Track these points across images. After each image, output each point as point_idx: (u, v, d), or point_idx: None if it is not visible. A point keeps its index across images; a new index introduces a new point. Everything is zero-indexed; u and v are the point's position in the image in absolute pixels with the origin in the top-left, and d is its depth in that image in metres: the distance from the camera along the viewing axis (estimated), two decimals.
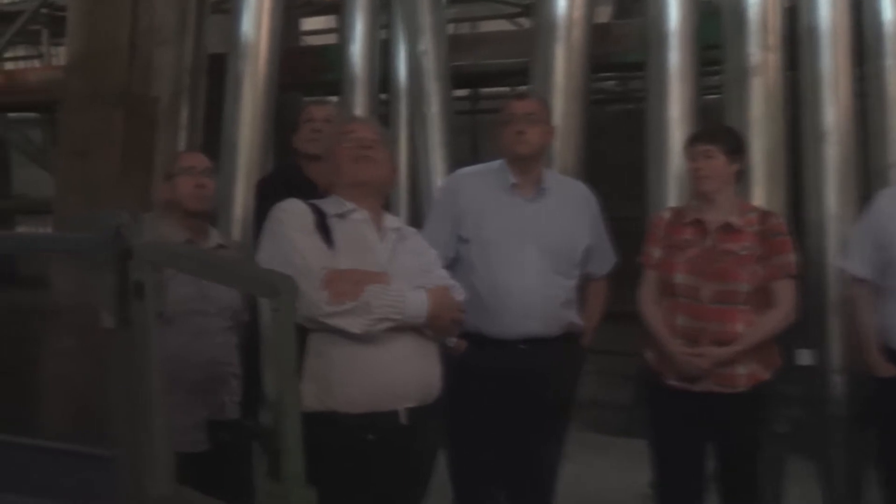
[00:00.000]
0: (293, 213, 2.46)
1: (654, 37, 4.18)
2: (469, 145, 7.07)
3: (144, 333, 1.75)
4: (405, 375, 2.40)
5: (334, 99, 5.42)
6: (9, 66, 9.06)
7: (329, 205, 2.53)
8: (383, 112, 5.43)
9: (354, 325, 2.31)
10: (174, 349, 2.76)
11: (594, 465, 4.39)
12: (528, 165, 3.15)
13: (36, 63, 9.00)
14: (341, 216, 2.50)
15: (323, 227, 2.45)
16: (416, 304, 2.39)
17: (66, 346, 4.06)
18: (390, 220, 2.62)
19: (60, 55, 7.79)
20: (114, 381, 1.84)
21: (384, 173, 2.59)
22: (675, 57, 4.09)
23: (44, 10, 7.31)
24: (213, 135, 4.80)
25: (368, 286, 2.34)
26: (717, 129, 3.32)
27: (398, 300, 2.36)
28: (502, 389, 3.07)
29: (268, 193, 3.34)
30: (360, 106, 5.10)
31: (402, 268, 2.49)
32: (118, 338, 1.82)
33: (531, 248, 3.08)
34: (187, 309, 2.88)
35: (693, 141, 3.19)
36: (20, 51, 9.32)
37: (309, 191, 2.98)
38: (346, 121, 2.69)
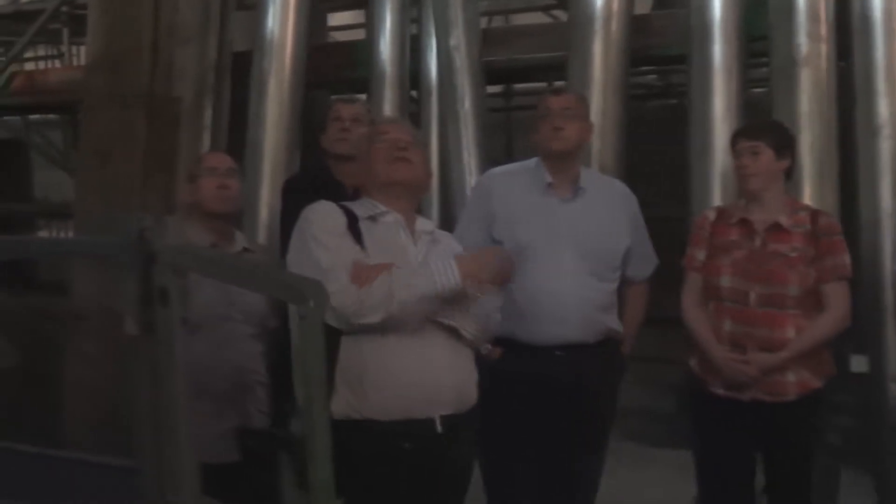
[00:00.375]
0: (323, 215, 2.48)
1: (696, 28, 4.16)
2: (503, 144, 7.06)
3: (168, 340, 1.76)
4: (441, 382, 2.40)
5: (363, 97, 5.45)
6: (29, 66, 9.18)
7: (360, 207, 2.54)
8: (413, 110, 5.45)
9: (377, 313, 2.32)
10: (199, 357, 2.78)
11: (635, 479, 4.36)
12: (564, 164, 3.14)
13: (56, 63, 9.11)
14: (373, 219, 2.52)
15: (354, 229, 2.46)
16: (443, 271, 2.39)
17: (89, 352, 4.11)
18: (423, 224, 2.63)
19: (81, 55, 7.88)
20: (137, 388, 1.86)
21: (419, 175, 2.60)
22: (719, 49, 4.08)
23: (64, 9, 7.39)
24: (237, 135, 4.84)
25: (390, 270, 2.36)
26: (763, 125, 3.29)
27: (420, 274, 2.38)
28: (538, 398, 3.06)
29: (294, 195, 3.35)
30: (389, 103, 5.12)
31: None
32: (141, 344, 1.84)
33: (568, 250, 3.07)
34: (213, 315, 2.91)
35: (738, 137, 3.16)
36: (40, 50, 9.44)
37: (337, 192, 3.00)
38: (379, 121, 2.70)
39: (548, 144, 3.12)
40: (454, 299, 2.41)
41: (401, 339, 2.38)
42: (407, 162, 2.54)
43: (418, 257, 2.51)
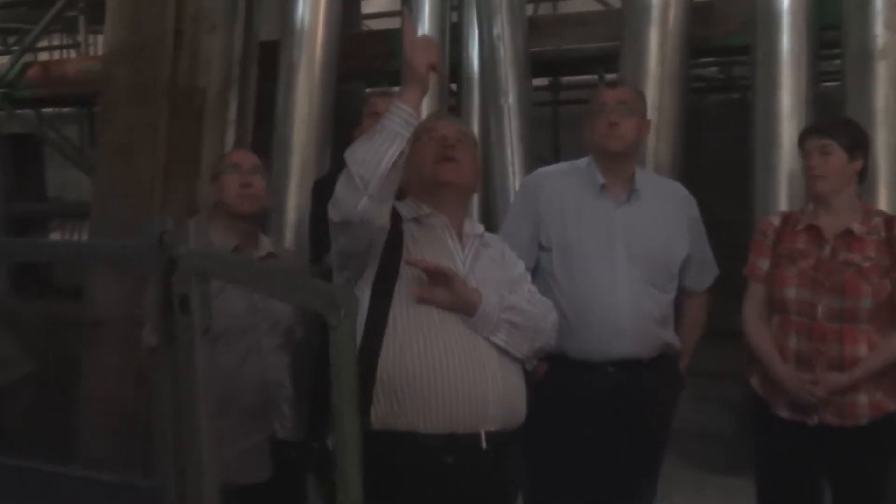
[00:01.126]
0: None
1: (762, 16, 4.14)
2: (549, 141, 7.07)
3: (190, 351, 1.78)
4: (489, 396, 2.41)
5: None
6: (43, 56, 9.32)
7: (404, 207, 2.56)
8: (453, 104, 5.47)
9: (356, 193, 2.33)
10: (222, 369, 2.81)
11: None
12: (619, 164, 3.13)
13: (73, 53, 9.24)
14: (417, 221, 2.54)
15: (396, 230, 2.48)
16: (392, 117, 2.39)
17: (107, 362, 4.16)
18: (472, 226, 2.64)
19: (99, 44, 7.99)
20: (157, 403, 1.88)
21: (467, 176, 2.60)
22: (787, 39, 4.06)
23: None
24: (264, 131, 4.89)
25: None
26: (835, 122, 3.27)
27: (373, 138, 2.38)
28: (587, 417, 3.06)
29: (325, 196, 3.38)
30: (427, 96, 5.13)
31: (483, 277, 2.52)
32: (162, 356, 1.86)
33: (622, 257, 3.06)
34: (237, 325, 2.94)
35: (807, 135, 3.14)
36: (56, 40, 9.58)
37: None
38: (427, 118, 2.70)
39: (602, 142, 3.11)
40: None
41: (448, 348, 2.39)
42: (455, 162, 2.55)
43: (466, 262, 2.52)
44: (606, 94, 3.17)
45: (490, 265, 2.58)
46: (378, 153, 2.32)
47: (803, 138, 3.15)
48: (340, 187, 2.35)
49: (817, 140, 3.05)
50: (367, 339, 2.38)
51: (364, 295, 2.42)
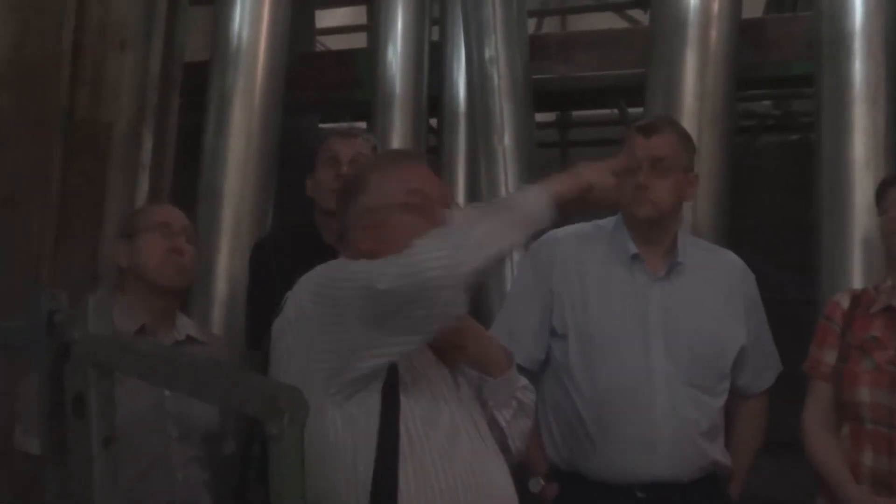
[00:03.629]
0: None
1: (828, 38, 4.18)
2: None
3: (86, 467, 1.77)
4: None
5: (363, 125, 5.50)
6: None
7: None
8: (434, 144, 5.49)
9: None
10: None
11: None
12: (655, 231, 3.14)
13: None
14: None
15: None
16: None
17: None
18: None
19: None
20: None
21: None
22: (861, 67, 4.09)
23: None
24: (188, 176, 4.88)
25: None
26: None
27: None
28: None
29: (267, 264, 3.38)
30: (400, 134, 5.17)
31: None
32: (49, 471, 1.85)
33: (658, 349, 3.06)
34: (138, 429, 2.90)
35: (888, 187, 3.18)
36: None
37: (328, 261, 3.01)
38: (398, 161, 2.67)
39: (630, 208, 3.12)
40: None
41: (467, 471, 2.36)
42: None
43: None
44: (639, 144, 3.15)
45: None
46: (503, 235, 2.24)
47: (883, 190, 3.18)
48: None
49: None
50: (381, 465, 2.34)
51: (373, 405, 2.38)
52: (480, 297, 4.64)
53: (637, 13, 7.30)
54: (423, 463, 2.34)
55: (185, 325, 3.22)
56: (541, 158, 5.14)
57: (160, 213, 3.28)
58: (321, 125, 6.48)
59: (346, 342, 2.27)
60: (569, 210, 2.33)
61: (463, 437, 2.38)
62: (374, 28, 5.60)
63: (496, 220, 2.24)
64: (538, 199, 2.28)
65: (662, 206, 3.10)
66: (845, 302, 3.20)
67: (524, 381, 2.52)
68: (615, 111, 6.71)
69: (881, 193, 3.20)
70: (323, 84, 5.73)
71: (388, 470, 2.32)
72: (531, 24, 6.10)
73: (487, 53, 4.79)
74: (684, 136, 3.30)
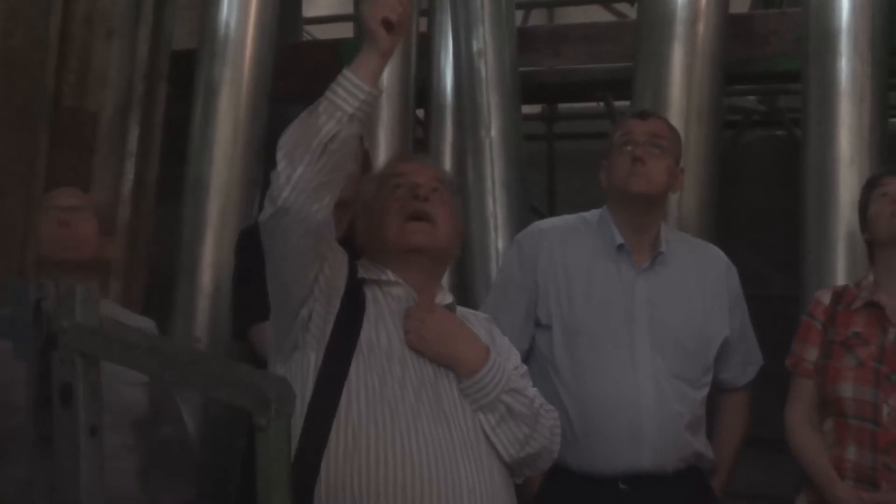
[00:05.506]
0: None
1: (815, 34, 4.20)
2: (544, 185, 7.10)
3: (73, 457, 1.77)
4: None
5: None
6: None
7: (364, 267, 2.56)
8: (419, 136, 5.49)
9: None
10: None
11: None
12: (643, 218, 3.14)
13: None
14: (377, 283, 2.53)
15: (355, 291, 2.49)
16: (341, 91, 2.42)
17: None
18: (444, 299, 2.62)
19: None
20: None
21: (444, 238, 2.59)
22: (847, 64, 4.10)
23: None
24: (175, 167, 4.87)
25: None
26: None
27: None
28: None
29: (252, 254, 3.37)
30: (386, 126, 5.15)
31: None
32: (35, 462, 1.85)
33: (643, 340, 3.07)
34: None
35: (876, 183, 3.19)
36: None
37: None
38: (392, 158, 2.71)
39: (623, 183, 3.12)
40: None
41: (417, 444, 2.37)
42: (428, 222, 2.55)
43: None
44: (635, 125, 3.18)
45: None
46: (309, 129, 2.33)
47: (870, 186, 3.19)
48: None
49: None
50: (308, 429, 2.36)
51: (308, 363, 2.42)
52: (466, 287, 4.65)
53: (624, 7, 7.31)
54: (356, 431, 2.36)
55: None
56: (527, 151, 5.15)
57: (55, 197, 3.36)
58: None
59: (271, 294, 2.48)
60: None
61: (422, 423, 2.39)
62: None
63: (313, 116, 2.35)
64: (341, 80, 2.39)
65: (656, 183, 3.11)
66: (827, 298, 3.22)
67: (517, 385, 2.52)
68: (602, 104, 6.71)
69: (867, 189, 3.22)
70: (309, 74, 5.70)
71: (319, 426, 2.36)
72: (518, 16, 6.09)
73: (475, 45, 4.79)
74: (675, 130, 3.34)
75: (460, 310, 2.69)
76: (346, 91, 2.35)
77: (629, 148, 3.11)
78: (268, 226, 2.39)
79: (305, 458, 2.31)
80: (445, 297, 2.64)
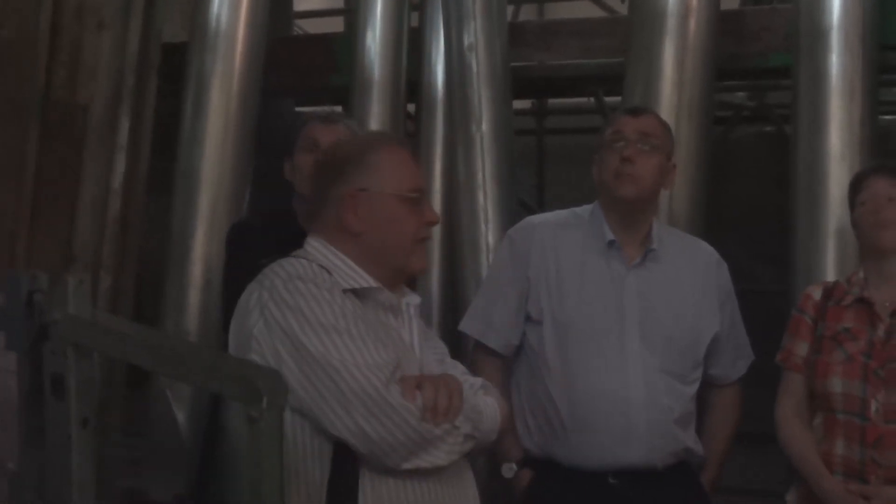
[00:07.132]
0: (315, 283, 2.36)
1: (806, 30, 4.20)
2: (534, 180, 7.10)
3: (64, 449, 1.77)
4: None
5: (339, 109, 5.49)
6: None
7: (340, 272, 2.44)
8: (411, 130, 5.49)
9: (441, 455, 2.29)
10: None
11: None
12: (634, 215, 3.14)
13: None
14: (356, 293, 2.42)
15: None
16: (490, 413, 2.40)
17: None
18: (409, 296, 2.53)
19: None
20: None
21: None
22: (837, 60, 4.11)
23: None
24: (165, 159, 4.87)
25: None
26: None
27: (475, 411, 2.35)
28: None
29: (243, 247, 3.37)
30: (378, 120, 5.15)
31: (427, 362, 2.48)
32: (26, 451, 1.85)
33: (634, 336, 3.06)
34: None
35: (860, 186, 3.19)
36: None
37: None
38: (396, 149, 2.62)
39: (611, 187, 3.12)
40: None
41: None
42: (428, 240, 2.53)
43: (415, 344, 2.47)
44: (625, 123, 3.15)
45: (425, 342, 2.53)
46: None
47: (857, 182, 3.20)
48: None
49: (890, 185, 3.09)
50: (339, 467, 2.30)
51: None
52: (457, 281, 4.65)
53: (613, 2, 7.30)
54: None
55: None
56: (518, 145, 5.14)
57: None
58: (298, 109, 6.46)
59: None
60: None
61: None
62: (353, 12, 5.58)
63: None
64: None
65: (644, 185, 3.09)
66: (818, 294, 3.22)
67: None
68: (592, 99, 6.71)
69: (855, 184, 3.22)
70: (300, 68, 5.71)
71: (347, 473, 2.28)
72: (508, 11, 6.09)
73: (466, 40, 4.79)
74: (666, 125, 3.32)
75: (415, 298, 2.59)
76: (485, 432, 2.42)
77: (619, 144, 3.10)
78: None
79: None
80: (412, 296, 2.54)
